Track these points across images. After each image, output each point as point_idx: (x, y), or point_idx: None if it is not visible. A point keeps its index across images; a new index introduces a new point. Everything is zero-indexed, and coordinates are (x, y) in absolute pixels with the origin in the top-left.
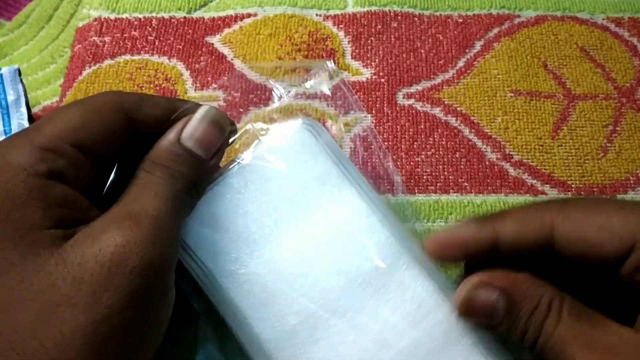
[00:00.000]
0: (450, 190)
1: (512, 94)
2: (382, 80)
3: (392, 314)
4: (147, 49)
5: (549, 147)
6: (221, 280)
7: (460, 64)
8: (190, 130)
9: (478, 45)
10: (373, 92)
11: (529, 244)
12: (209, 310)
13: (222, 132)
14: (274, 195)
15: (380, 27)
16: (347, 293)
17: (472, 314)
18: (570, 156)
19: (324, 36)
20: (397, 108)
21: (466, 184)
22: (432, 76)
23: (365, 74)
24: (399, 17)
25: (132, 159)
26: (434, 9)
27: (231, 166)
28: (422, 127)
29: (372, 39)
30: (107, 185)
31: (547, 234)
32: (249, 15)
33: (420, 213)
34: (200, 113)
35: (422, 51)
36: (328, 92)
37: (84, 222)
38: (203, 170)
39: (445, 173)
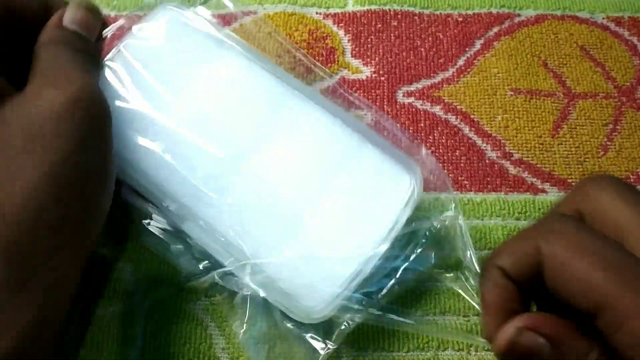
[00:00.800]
0: None
1: (512, 93)
2: (382, 78)
3: (292, 144)
4: None
5: (549, 145)
6: (126, 155)
7: (460, 62)
8: (70, 15)
9: (478, 44)
10: (373, 91)
11: (528, 274)
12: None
13: (97, 16)
14: (159, 68)
15: (380, 25)
16: (248, 138)
17: (513, 355)
18: (571, 154)
19: (324, 34)
20: (397, 106)
21: (466, 182)
22: (432, 74)
23: (365, 72)
24: (399, 16)
25: (17, 51)
26: (434, 7)
27: (110, 54)
28: (422, 125)
29: (372, 37)
30: None
31: (538, 263)
32: (249, 13)
33: (420, 211)
34: (74, 1)
35: (422, 50)
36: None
37: (3, 96)
38: (91, 50)
39: (445, 171)
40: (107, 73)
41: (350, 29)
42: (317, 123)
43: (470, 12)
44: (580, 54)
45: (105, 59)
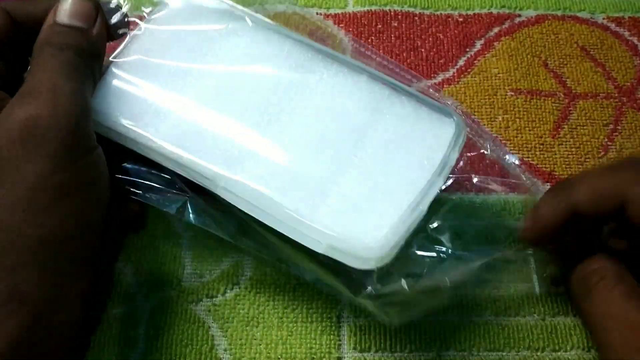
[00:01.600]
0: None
1: (512, 93)
2: None
3: (322, 102)
4: None
5: (549, 145)
6: (144, 132)
7: (461, 62)
8: (62, 8)
9: (478, 44)
10: None
11: (603, 212)
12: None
13: (92, 1)
14: (174, 51)
15: (380, 26)
16: (273, 101)
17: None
18: (571, 155)
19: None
20: None
21: (466, 182)
22: (432, 75)
23: None
24: (399, 17)
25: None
26: (434, 8)
27: (123, 43)
28: None
29: (373, 38)
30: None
31: (620, 203)
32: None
33: None
34: None
35: (423, 50)
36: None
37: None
38: (89, 39)
39: None
40: (122, 63)
41: (350, 29)
42: (343, 80)
43: (470, 12)
44: (580, 54)
45: (119, 48)
